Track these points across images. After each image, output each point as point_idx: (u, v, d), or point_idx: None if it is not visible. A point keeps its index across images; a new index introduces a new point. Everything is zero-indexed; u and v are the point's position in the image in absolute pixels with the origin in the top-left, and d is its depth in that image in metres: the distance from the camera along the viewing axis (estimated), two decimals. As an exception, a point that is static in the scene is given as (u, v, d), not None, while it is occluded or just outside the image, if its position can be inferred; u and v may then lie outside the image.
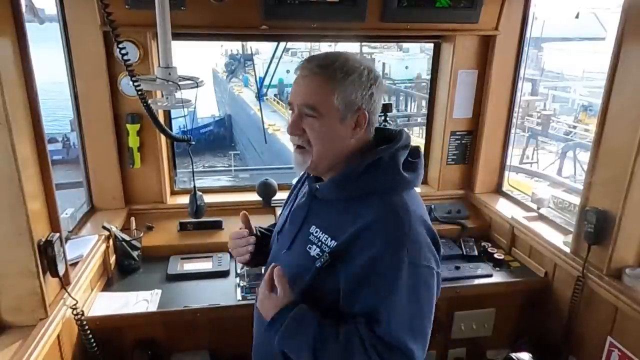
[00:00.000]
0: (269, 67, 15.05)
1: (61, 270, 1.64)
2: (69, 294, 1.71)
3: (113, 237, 2.23)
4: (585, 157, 13.06)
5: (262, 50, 22.05)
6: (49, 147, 1.61)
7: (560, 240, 2.21)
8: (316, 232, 1.26)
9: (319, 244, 1.24)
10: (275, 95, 22.03)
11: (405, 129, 1.38)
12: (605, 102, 1.84)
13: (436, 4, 2.35)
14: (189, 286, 2.17)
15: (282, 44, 10.86)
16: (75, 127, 2.42)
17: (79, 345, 1.84)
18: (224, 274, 2.24)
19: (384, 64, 26.73)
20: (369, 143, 1.29)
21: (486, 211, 2.72)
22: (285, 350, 1.23)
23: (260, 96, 20.28)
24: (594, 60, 22.77)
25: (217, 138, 23.97)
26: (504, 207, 2.65)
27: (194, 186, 2.27)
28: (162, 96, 1.83)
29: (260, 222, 1.64)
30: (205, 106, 23.65)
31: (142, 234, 2.34)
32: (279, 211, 2.61)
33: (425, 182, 2.94)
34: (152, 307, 2.00)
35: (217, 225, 2.52)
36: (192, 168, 2.16)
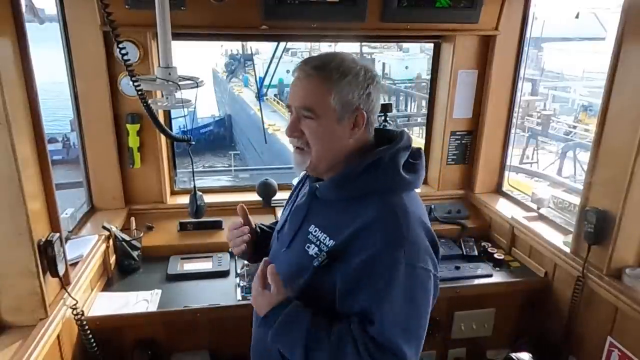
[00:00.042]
0: (269, 67, 15.03)
1: (61, 270, 1.64)
2: (69, 294, 1.71)
3: (113, 237, 2.23)
4: (585, 157, 13.07)
5: (262, 50, 22.07)
6: (49, 147, 1.61)
7: (560, 240, 2.21)
8: (315, 231, 1.26)
9: (318, 243, 1.24)
10: (275, 95, 22.01)
11: (406, 130, 1.38)
12: (605, 102, 1.84)
13: (436, 4, 2.35)
14: (189, 286, 2.17)
15: (282, 44, 10.86)
16: (75, 127, 2.42)
17: (79, 345, 1.84)
18: (224, 274, 2.24)
19: (384, 64, 26.73)
20: (369, 143, 1.29)
21: (486, 211, 2.72)
22: (279, 347, 1.23)
23: (260, 96, 20.27)
24: (594, 60, 22.78)
25: (217, 138, 23.96)
26: (504, 207, 2.65)
27: (194, 186, 2.27)
28: (162, 96, 1.83)
29: (260, 222, 1.64)
30: (205, 106, 23.65)
31: (142, 234, 2.34)
32: (279, 211, 2.62)
33: (425, 182, 2.94)
34: (152, 307, 2.00)
35: (217, 225, 2.52)
36: (192, 168, 2.16)
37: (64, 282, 1.71)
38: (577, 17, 18.33)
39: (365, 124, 1.24)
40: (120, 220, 2.41)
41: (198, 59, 15.46)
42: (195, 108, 2.33)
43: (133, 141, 2.42)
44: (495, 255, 2.41)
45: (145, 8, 1.96)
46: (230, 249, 1.49)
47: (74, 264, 1.88)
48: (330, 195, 1.28)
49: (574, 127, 18.84)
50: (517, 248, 2.48)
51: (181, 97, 1.74)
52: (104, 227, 2.21)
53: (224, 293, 2.11)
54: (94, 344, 1.82)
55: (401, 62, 27.29)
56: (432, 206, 2.67)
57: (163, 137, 2.50)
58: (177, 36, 1.81)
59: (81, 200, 2.55)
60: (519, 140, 16.38)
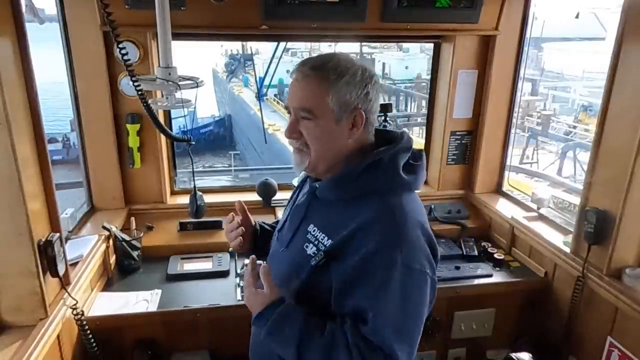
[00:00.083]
0: (269, 67, 15.03)
1: (61, 270, 1.64)
2: (69, 294, 1.71)
3: (113, 237, 2.23)
4: (585, 157, 13.06)
5: (262, 50, 22.06)
6: (49, 147, 1.61)
7: (560, 240, 2.21)
8: (314, 230, 1.27)
9: (316, 242, 1.25)
10: (275, 95, 22.00)
11: (406, 130, 1.38)
12: (605, 102, 1.84)
13: (436, 4, 2.35)
14: (189, 286, 2.17)
15: (282, 44, 10.86)
16: (75, 127, 2.42)
17: (79, 345, 1.84)
18: (224, 274, 2.24)
19: (384, 64, 26.73)
20: (369, 144, 1.29)
21: (486, 211, 2.72)
22: (272, 345, 1.23)
23: (260, 96, 20.26)
24: (594, 60, 22.77)
25: (217, 138, 23.96)
26: (504, 207, 2.65)
27: (194, 186, 2.27)
28: (162, 96, 1.83)
29: (262, 220, 1.64)
30: (205, 106, 23.65)
31: (142, 234, 2.34)
32: (279, 211, 2.62)
33: (425, 182, 2.93)
34: (152, 307, 2.00)
35: (217, 225, 2.52)
36: (192, 168, 2.16)
37: (64, 282, 1.71)
38: (577, 17, 18.34)
39: (364, 124, 1.24)
40: (120, 220, 2.41)
41: (198, 59, 15.46)
42: (195, 108, 2.33)
43: (133, 141, 2.42)
44: (495, 255, 2.41)
45: (145, 8, 1.96)
46: (229, 249, 1.50)
47: (74, 264, 1.88)
48: (330, 195, 1.28)
49: (574, 127, 18.84)
50: (517, 248, 2.48)
51: (181, 97, 1.74)
52: (104, 227, 2.21)
53: (224, 293, 2.11)
54: (94, 344, 1.82)
55: (401, 62, 27.28)
56: (432, 206, 2.67)
57: (163, 137, 2.50)
58: (177, 36, 1.81)
59: (81, 200, 2.55)
60: (519, 140, 16.38)
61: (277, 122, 17.36)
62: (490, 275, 2.30)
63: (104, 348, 1.86)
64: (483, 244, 2.52)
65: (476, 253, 2.45)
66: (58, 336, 1.66)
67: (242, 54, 24.72)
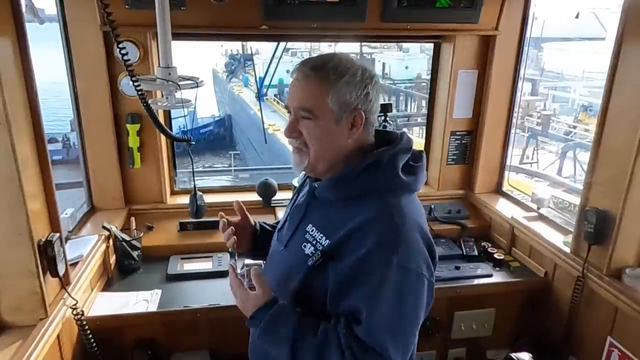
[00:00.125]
0: (269, 67, 15.05)
1: (61, 270, 1.64)
2: (69, 294, 1.71)
3: (113, 237, 2.23)
4: (585, 157, 13.06)
5: (262, 50, 22.07)
6: (49, 147, 1.61)
7: (560, 240, 2.21)
8: (312, 230, 1.27)
9: (314, 242, 1.25)
10: (275, 95, 22.01)
11: (406, 130, 1.37)
12: (605, 102, 1.84)
13: (436, 4, 2.35)
14: (189, 286, 2.17)
15: (282, 44, 10.88)
16: (75, 127, 2.42)
17: (79, 345, 1.84)
18: (224, 274, 2.24)
19: (384, 64, 26.73)
20: (369, 144, 1.29)
21: (486, 211, 2.72)
22: (265, 346, 1.23)
23: (260, 96, 20.27)
24: (594, 60, 22.76)
25: (217, 138, 23.96)
26: (504, 207, 2.65)
27: (194, 186, 2.28)
28: (162, 96, 1.83)
29: (264, 220, 1.65)
30: (205, 106, 23.64)
31: (142, 234, 2.34)
32: (278, 211, 2.62)
33: (425, 182, 2.94)
34: (152, 307, 2.00)
35: (217, 225, 2.44)
36: (192, 168, 2.16)
37: (64, 282, 1.71)
38: (577, 17, 18.35)
39: (363, 124, 1.24)
40: (120, 220, 2.41)
41: (198, 59, 15.46)
42: (195, 108, 2.33)
43: (133, 141, 2.42)
44: (495, 255, 2.41)
45: (145, 8, 1.96)
46: (229, 249, 1.51)
47: (74, 264, 1.88)
48: (329, 195, 1.28)
49: (574, 127, 18.84)
50: (517, 248, 2.48)
51: (181, 97, 1.74)
52: (104, 227, 2.21)
53: (224, 293, 2.10)
54: (94, 344, 1.82)
55: (401, 62, 27.28)
56: (432, 206, 2.67)
57: (163, 137, 2.50)
58: (177, 36, 1.81)
59: (81, 200, 2.55)
60: (519, 140, 16.38)
61: (277, 122, 17.36)
62: (490, 275, 2.30)
63: (104, 348, 1.86)
64: (483, 244, 2.52)
65: (476, 253, 2.45)
66: (58, 336, 1.66)
67: (242, 54, 24.73)
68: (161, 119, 2.27)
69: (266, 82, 17.36)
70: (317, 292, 1.22)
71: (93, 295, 2.04)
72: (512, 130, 2.78)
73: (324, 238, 1.23)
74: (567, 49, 27.86)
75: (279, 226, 1.48)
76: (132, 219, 2.40)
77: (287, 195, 2.65)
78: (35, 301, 1.55)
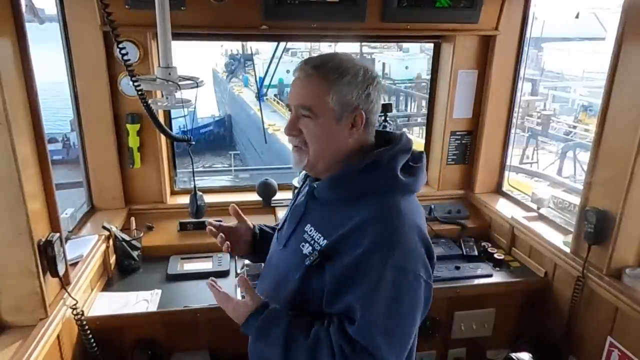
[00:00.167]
0: (269, 67, 15.05)
1: (61, 270, 1.64)
2: (69, 294, 1.71)
3: (113, 237, 2.23)
4: (585, 157, 13.06)
5: (262, 50, 22.09)
6: (49, 147, 1.61)
7: (560, 240, 2.21)
8: (310, 230, 1.27)
9: (312, 242, 1.25)
10: (275, 95, 22.02)
11: (406, 130, 1.37)
12: (605, 102, 1.84)
13: (436, 4, 2.35)
14: (189, 286, 2.17)
15: (282, 44, 10.88)
16: (75, 127, 2.42)
17: (79, 345, 1.84)
18: (224, 274, 2.24)
19: (384, 64, 26.74)
20: (369, 144, 1.29)
21: (486, 211, 2.72)
22: (261, 347, 1.24)
23: (260, 96, 20.29)
24: (594, 60, 22.78)
25: (217, 138, 23.97)
26: (504, 207, 2.65)
27: (194, 186, 2.27)
28: (162, 96, 1.83)
29: (260, 222, 1.64)
30: (205, 106, 23.65)
31: (142, 234, 2.34)
32: (278, 211, 2.62)
33: (425, 182, 2.94)
34: (152, 307, 2.00)
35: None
36: (192, 168, 2.16)
37: (64, 282, 1.71)
38: (577, 17, 18.35)
39: (364, 124, 1.24)
40: (120, 220, 2.41)
41: (198, 59, 15.46)
42: (195, 108, 2.33)
43: (133, 141, 2.42)
44: (495, 255, 2.41)
45: (145, 8, 1.96)
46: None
47: (74, 264, 1.88)
48: (328, 195, 1.28)
49: (574, 127, 18.84)
50: (517, 248, 2.48)
51: (181, 97, 1.74)
52: (104, 227, 2.21)
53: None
54: (94, 344, 1.82)
55: (401, 62, 27.30)
56: (432, 206, 2.67)
57: (163, 137, 2.50)
58: (177, 36, 1.81)
59: (81, 200, 2.55)
60: (519, 140, 16.38)
61: (277, 122, 17.37)
62: (490, 275, 2.30)
63: (104, 348, 1.86)
64: (483, 244, 2.52)
65: (476, 253, 2.45)
66: (58, 336, 1.66)
67: (242, 54, 24.75)
68: (161, 119, 2.27)
69: (266, 82, 17.38)
70: (315, 292, 1.22)
71: (93, 295, 2.04)
72: (512, 130, 2.78)
73: (321, 238, 1.23)
74: (567, 49, 27.88)
75: (279, 226, 1.48)
76: (132, 219, 2.40)
77: (287, 195, 2.65)
78: (35, 301, 1.55)
